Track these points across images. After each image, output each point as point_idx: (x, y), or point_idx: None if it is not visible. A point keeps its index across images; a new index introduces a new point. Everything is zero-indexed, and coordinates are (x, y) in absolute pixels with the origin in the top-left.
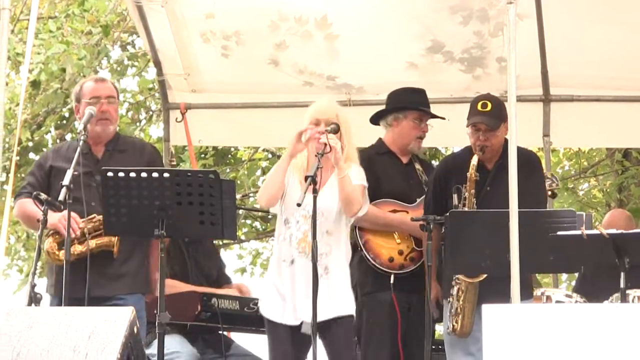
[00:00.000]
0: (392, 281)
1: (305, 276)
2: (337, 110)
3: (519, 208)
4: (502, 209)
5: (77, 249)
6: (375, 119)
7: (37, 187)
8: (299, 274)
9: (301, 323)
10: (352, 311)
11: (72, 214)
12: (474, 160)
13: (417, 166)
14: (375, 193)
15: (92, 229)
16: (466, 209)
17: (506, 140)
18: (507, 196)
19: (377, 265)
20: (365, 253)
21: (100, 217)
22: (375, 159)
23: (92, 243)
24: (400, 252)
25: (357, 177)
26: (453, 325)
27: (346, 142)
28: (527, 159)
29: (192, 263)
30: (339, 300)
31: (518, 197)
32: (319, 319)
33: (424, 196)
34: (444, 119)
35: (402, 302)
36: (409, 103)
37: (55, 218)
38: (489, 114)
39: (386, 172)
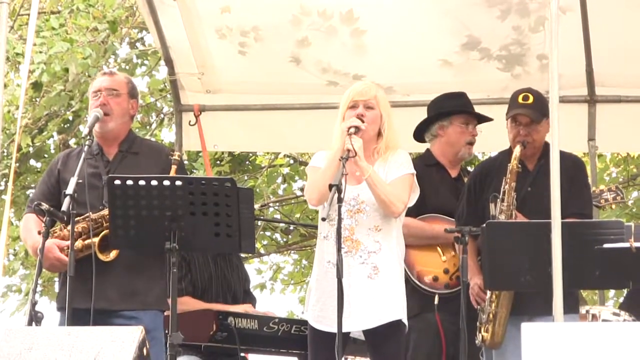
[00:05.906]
0: (436, 301)
1: (349, 277)
2: (376, 92)
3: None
4: (543, 212)
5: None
6: (419, 134)
7: (48, 197)
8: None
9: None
10: (402, 316)
11: (56, 241)
12: (517, 151)
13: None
14: (421, 207)
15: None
16: (505, 204)
17: (547, 143)
18: (549, 199)
19: (420, 285)
20: (408, 272)
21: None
22: (422, 171)
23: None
24: (446, 271)
25: (402, 165)
26: (482, 336)
27: (386, 127)
28: (572, 163)
29: (219, 278)
30: (389, 304)
31: (561, 204)
32: (367, 326)
33: None
34: (491, 119)
35: (448, 324)
36: (452, 107)
37: (49, 251)
38: (531, 107)
39: (434, 186)
